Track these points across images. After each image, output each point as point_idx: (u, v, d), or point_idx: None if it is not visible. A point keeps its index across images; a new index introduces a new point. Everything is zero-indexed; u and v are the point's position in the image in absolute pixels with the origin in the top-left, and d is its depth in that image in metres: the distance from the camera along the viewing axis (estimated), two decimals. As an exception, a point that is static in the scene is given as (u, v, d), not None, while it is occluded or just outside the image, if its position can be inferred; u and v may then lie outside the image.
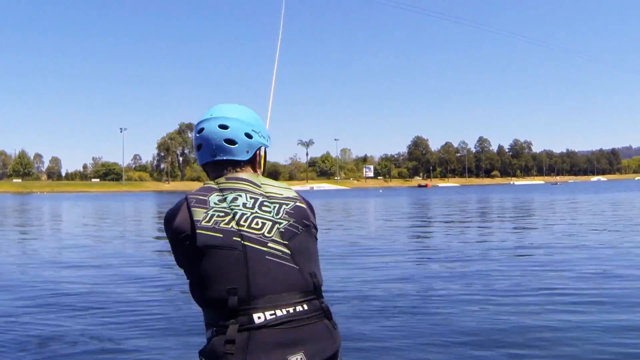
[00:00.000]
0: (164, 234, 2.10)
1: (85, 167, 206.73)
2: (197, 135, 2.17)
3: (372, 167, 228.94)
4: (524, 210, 33.78)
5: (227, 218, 1.94)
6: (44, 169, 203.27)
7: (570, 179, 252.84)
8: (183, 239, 1.95)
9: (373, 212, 35.73)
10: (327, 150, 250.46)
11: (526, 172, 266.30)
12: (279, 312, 1.86)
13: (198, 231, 1.89)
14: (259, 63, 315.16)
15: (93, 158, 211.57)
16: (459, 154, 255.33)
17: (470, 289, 8.84)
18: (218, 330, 1.86)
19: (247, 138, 2.13)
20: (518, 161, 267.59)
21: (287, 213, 2.02)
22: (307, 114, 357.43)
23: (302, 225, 2.03)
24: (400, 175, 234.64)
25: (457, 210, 36.01)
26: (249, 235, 1.91)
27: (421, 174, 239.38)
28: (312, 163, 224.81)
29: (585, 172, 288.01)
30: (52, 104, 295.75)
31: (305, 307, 1.92)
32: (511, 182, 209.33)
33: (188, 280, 2.02)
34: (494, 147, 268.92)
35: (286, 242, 1.95)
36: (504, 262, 11.90)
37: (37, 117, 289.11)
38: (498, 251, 13.79)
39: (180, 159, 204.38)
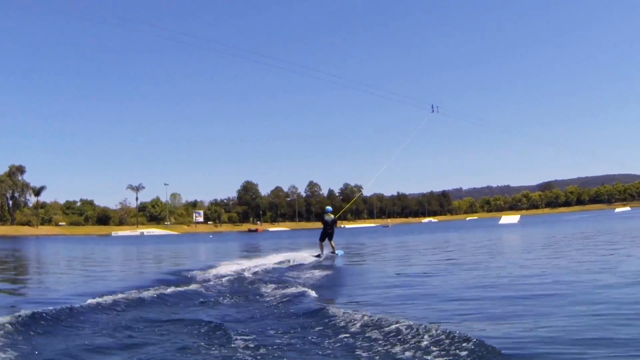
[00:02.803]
0: None
1: None
2: (327, 209, 28.49)
3: (202, 212, 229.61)
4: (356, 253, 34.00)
5: (326, 218, 27.05)
6: None
7: (402, 221, 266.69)
8: (322, 218, 27.37)
9: (204, 257, 34.79)
10: (157, 194, 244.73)
11: (357, 215, 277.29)
12: (329, 230, 26.82)
13: (325, 219, 26.96)
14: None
15: None
16: (289, 199, 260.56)
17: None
18: (323, 231, 26.95)
19: (330, 209, 28.55)
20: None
21: (331, 220, 27.03)
22: (136, 158, 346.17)
23: (332, 221, 27.06)
24: (231, 220, 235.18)
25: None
26: (327, 220, 26.88)
27: (251, 219, 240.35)
28: (142, 208, 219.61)
29: (416, 214, 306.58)
30: None
31: (332, 229, 27.13)
32: (342, 226, 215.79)
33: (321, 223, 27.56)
34: (324, 192, 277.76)
35: (330, 222, 26.91)
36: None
37: None
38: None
39: (10, 202, 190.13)
